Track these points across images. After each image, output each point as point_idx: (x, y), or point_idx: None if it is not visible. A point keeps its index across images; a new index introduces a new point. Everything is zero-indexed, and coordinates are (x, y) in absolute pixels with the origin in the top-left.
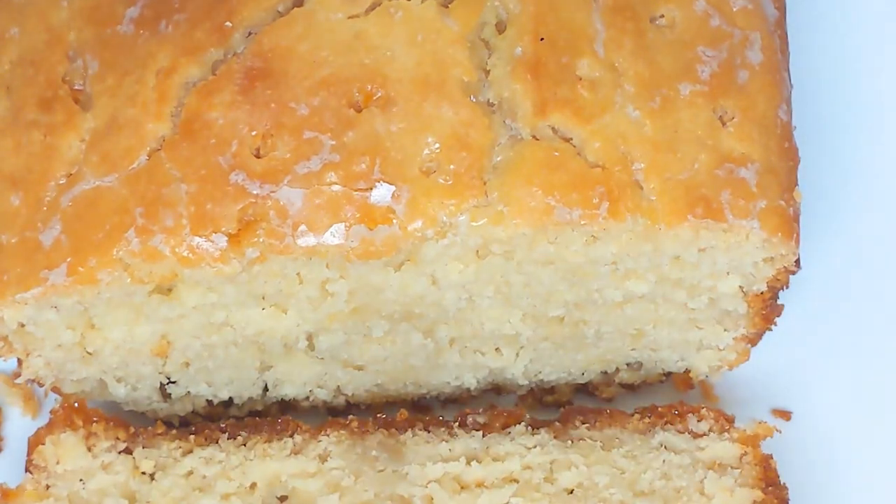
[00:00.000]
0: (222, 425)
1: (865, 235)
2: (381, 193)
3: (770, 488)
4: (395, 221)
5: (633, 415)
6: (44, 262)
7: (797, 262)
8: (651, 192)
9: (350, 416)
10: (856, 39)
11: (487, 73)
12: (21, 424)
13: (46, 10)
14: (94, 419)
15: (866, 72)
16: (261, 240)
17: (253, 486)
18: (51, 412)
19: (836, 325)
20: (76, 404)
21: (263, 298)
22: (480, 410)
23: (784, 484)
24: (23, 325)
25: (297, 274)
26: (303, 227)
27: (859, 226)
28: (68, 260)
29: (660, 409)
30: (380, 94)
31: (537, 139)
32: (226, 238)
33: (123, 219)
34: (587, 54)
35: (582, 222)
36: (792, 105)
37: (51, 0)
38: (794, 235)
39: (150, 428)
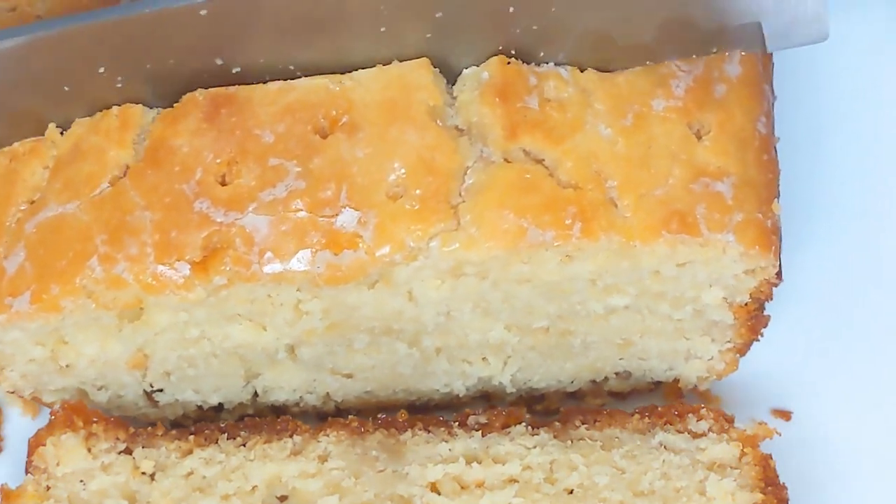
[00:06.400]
0: (222, 426)
1: (863, 237)
2: (347, 219)
3: (769, 488)
4: (361, 246)
5: (632, 415)
6: (8, 289)
7: (778, 274)
8: (625, 209)
9: (350, 416)
10: (841, 50)
11: (455, 98)
12: (21, 424)
13: (21, 24)
14: (94, 420)
15: (853, 80)
16: (227, 267)
17: (253, 486)
18: (51, 413)
19: (835, 326)
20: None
21: (239, 315)
22: (480, 410)
23: (784, 484)
24: None
25: (268, 296)
26: (269, 255)
27: (857, 227)
28: (32, 287)
29: (660, 409)
30: (345, 120)
31: (509, 162)
32: (189, 266)
33: (86, 246)
34: (552, 76)
35: (556, 243)
36: (774, 117)
37: (24, 14)
38: (773, 248)
39: (149, 428)
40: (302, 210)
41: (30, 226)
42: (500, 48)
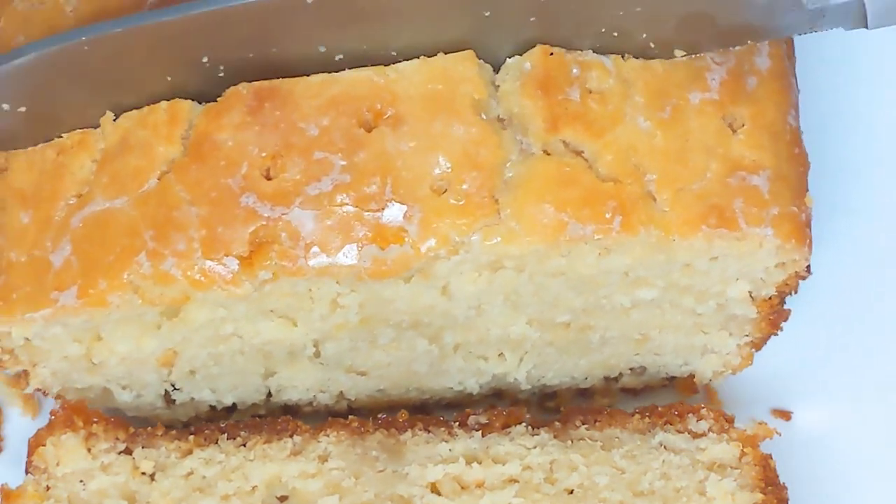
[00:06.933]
0: (222, 426)
1: (866, 238)
2: (393, 213)
3: (769, 488)
4: (407, 241)
5: (633, 415)
6: (54, 283)
7: (808, 267)
8: (664, 203)
9: (350, 417)
10: (861, 42)
11: (497, 88)
12: (21, 424)
13: (52, 18)
14: (94, 420)
15: (872, 74)
16: (273, 262)
17: (253, 486)
18: (51, 413)
19: (835, 326)
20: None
21: (272, 311)
22: (481, 410)
23: (784, 484)
24: (28, 340)
25: (309, 290)
26: (315, 249)
27: (860, 228)
28: (79, 282)
29: (660, 409)
30: (390, 113)
31: (549, 154)
32: (237, 261)
33: (134, 242)
34: (596, 66)
35: (596, 237)
36: (799, 110)
37: (56, 7)
38: (807, 241)
39: (149, 428)
40: (348, 204)
41: (76, 220)
42: (548, 38)
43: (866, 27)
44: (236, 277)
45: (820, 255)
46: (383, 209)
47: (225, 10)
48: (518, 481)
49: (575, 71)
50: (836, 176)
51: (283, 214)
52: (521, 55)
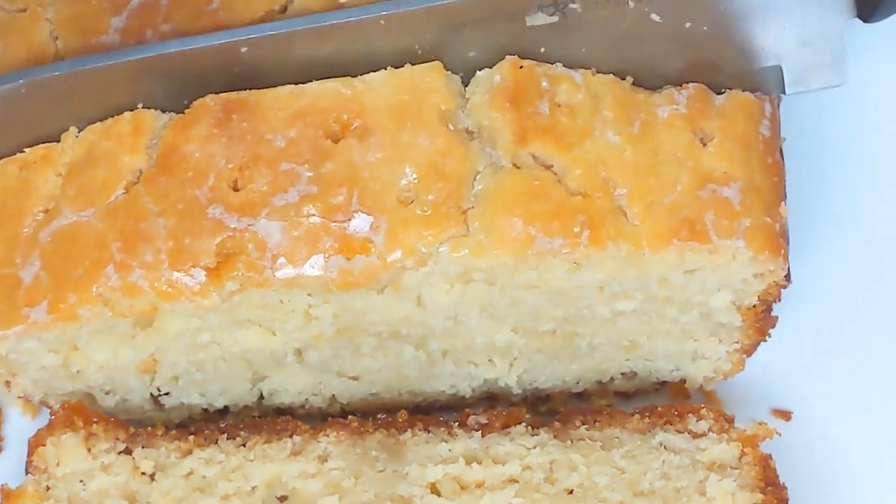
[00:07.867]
0: (222, 426)
1: (865, 239)
2: (360, 224)
3: (769, 488)
4: (373, 251)
5: (633, 415)
6: (25, 300)
7: (787, 276)
8: (634, 217)
9: (350, 417)
10: (849, 47)
11: (466, 100)
12: (21, 424)
13: (29, 26)
14: (94, 420)
15: (856, 79)
16: (240, 273)
17: (253, 486)
18: (51, 413)
19: (835, 326)
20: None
21: (249, 321)
22: (481, 410)
23: (784, 484)
24: (3, 356)
25: (280, 301)
26: (282, 260)
27: (859, 229)
28: (49, 297)
29: (660, 409)
30: (357, 124)
31: (518, 167)
32: (205, 272)
33: (102, 254)
34: (565, 80)
35: (563, 251)
36: (780, 118)
37: (34, 15)
38: (781, 251)
39: (149, 429)
40: (314, 215)
41: (44, 235)
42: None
43: (784, 93)
44: (204, 288)
45: (820, 255)
46: (350, 220)
47: (161, 57)
48: (518, 481)
49: (544, 84)
50: (841, 175)
51: (249, 225)
52: (490, 67)
